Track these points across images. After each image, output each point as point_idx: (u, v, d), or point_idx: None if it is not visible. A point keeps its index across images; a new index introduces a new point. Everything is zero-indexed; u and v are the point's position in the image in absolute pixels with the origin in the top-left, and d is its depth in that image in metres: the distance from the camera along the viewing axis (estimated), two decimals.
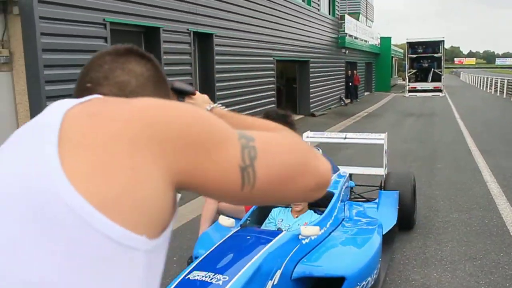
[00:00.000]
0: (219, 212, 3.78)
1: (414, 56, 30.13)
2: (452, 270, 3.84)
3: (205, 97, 1.05)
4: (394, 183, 4.71)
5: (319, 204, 3.56)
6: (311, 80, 17.11)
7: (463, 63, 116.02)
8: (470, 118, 14.84)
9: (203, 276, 2.28)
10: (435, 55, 29.75)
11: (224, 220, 3.12)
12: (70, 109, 0.65)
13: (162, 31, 8.28)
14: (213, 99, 10.11)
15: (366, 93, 28.50)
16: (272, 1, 13.26)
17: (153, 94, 0.83)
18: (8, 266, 0.57)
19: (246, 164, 0.65)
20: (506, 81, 25.72)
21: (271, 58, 13.44)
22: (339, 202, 3.74)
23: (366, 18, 34.57)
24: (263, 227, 3.34)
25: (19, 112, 6.06)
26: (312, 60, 17.16)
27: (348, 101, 22.38)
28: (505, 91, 25.36)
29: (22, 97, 6.01)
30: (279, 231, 2.98)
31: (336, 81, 21.03)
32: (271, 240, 2.73)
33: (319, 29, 18.27)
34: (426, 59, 30.07)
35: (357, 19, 27.59)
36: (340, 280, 2.80)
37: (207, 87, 10.18)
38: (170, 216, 0.66)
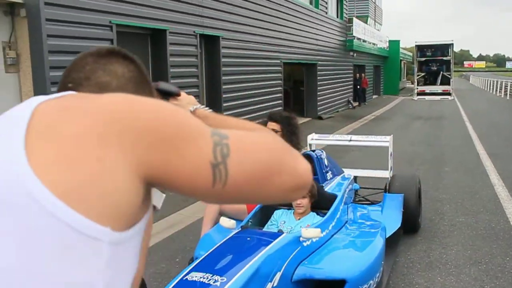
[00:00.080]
0: (221, 214, 3.76)
1: (423, 59, 30.00)
2: (456, 274, 3.79)
3: (192, 98, 1.06)
4: (399, 185, 4.68)
5: (322, 207, 3.53)
6: (318, 83, 17.08)
7: (473, 66, 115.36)
8: (479, 121, 14.72)
9: (201, 277, 2.26)
10: (444, 58, 29.59)
11: (225, 222, 3.11)
12: (42, 103, 0.67)
13: (169, 33, 8.30)
14: (220, 101, 10.12)
15: (374, 96, 28.38)
16: (279, 4, 13.26)
17: (135, 95, 0.83)
18: None
19: (218, 161, 0.65)
20: None
21: (278, 61, 13.43)
22: (342, 204, 3.71)
23: (375, 21, 34.46)
24: (265, 229, 3.32)
25: None
26: (319, 63, 17.14)
27: (356, 104, 22.30)
28: None
29: (28, 98, 6.05)
30: (279, 233, 2.96)
31: (343, 84, 20.98)
32: (271, 242, 2.71)
33: (326, 32, 18.24)
34: (435, 62, 29.93)
35: (366, 22, 27.52)
36: (341, 283, 2.77)
37: (214, 90, 10.19)
38: (142, 211, 0.66)
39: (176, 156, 0.64)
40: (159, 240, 4.70)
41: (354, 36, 21.83)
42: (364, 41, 24.46)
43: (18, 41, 6.02)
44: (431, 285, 3.63)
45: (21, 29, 5.97)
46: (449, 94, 27.94)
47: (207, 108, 1.03)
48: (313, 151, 4.43)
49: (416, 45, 30.21)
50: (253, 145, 0.71)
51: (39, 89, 5.92)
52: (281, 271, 2.64)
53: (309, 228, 3.02)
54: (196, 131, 0.67)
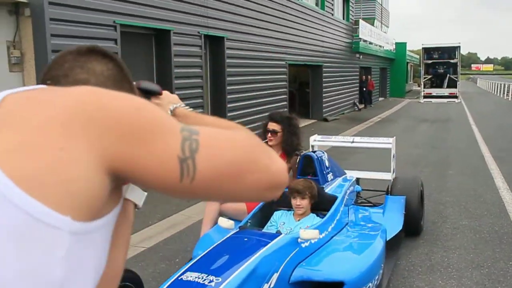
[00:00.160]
0: (221, 214, 3.75)
1: (430, 61, 29.84)
2: (458, 278, 3.75)
3: (174, 97, 1.06)
4: (401, 188, 4.64)
5: (322, 208, 3.51)
6: (324, 84, 17.05)
7: (481, 69, 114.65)
8: (485, 124, 14.62)
9: (196, 277, 2.25)
10: (451, 61, 29.42)
11: (223, 222, 3.09)
12: (12, 94, 0.67)
13: (173, 33, 8.30)
14: (224, 102, 10.11)
15: (380, 99, 28.30)
16: (284, 5, 13.24)
17: None
18: None
19: (186, 156, 0.65)
20: None
21: (284, 62, 13.41)
22: (343, 206, 3.69)
23: (381, 23, 34.35)
24: (264, 229, 3.30)
25: None
26: (325, 64, 17.10)
27: (361, 106, 22.24)
28: None
29: None
30: (277, 233, 2.94)
31: (349, 86, 20.93)
32: (269, 243, 2.69)
33: (332, 33, 18.21)
34: (442, 65, 29.76)
35: (372, 24, 27.43)
36: (339, 285, 2.75)
37: (218, 91, 10.18)
38: (109, 205, 0.66)
39: (143, 149, 0.64)
40: (159, 240, 4.69)
41: (360, 38, 21.77)
42: (370, 43, 24.40)
43: (23, 41, 6.04)
44: None
45: (25, 28, 6.00)
46: (455, 97, 27.79)
47: (187, 107, 1.03)
48: (314, 152, 4.41)
49: (423, 48, 30.07)
50: (225, 141, 0.70)
51: None
52: (279, 272, 2.62)
53: (308, 229, 3.00)
54: (165, 125, 0.67)
